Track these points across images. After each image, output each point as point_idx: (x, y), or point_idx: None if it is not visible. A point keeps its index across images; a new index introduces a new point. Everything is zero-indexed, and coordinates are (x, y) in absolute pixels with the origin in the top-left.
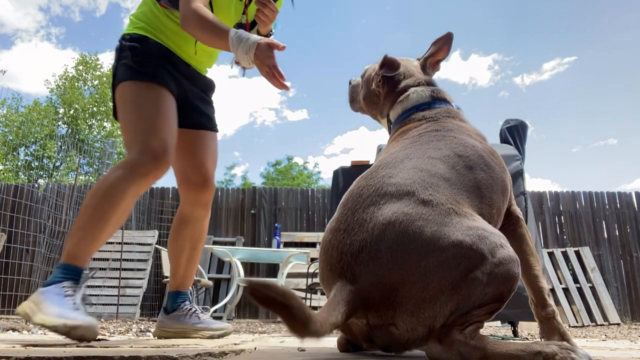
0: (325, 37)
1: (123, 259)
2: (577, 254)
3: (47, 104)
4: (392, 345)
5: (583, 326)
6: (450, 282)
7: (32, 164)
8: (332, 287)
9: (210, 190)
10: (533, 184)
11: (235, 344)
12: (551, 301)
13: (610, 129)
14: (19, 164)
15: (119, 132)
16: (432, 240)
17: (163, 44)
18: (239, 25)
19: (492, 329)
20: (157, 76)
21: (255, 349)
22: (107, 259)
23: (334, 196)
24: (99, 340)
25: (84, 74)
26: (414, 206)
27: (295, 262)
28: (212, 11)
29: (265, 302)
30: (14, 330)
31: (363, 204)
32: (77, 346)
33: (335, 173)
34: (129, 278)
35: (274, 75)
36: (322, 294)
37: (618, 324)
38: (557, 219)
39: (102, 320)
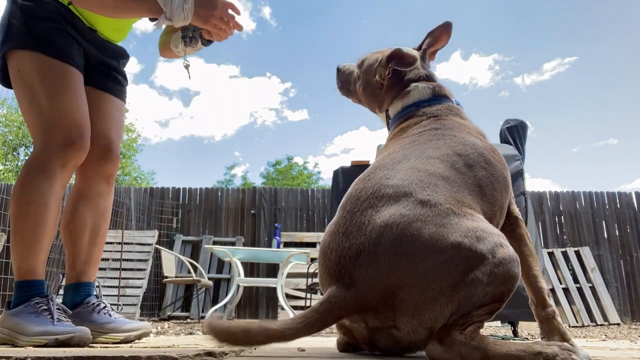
0: (325, 37)
1: (123, 259)
2: (577, 254)
3: None
4: (394, 348)
5: (583, 326)
6: (450, 283)
7: None
8: (326, 290)
9: (113, 162)
10: (533, 184)
11: None
12: (551, 301)
13: (610, 129)
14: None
15: None
16: (431, 241)
17: (62, 2)
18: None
19: (492, 329)
20: (61, 50)
21: (255, 349)
22: (107, 259)
23: (334, 196)
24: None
25: None
26: (412, 207)
27: (295, 262)
28: None
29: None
30: None
31: (361, 206)
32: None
33: (335, 173)
34: (129, 278)
35: (222, 29)
36: (322, 294)
37: (618, 324)
38: (557, 219)
39: None
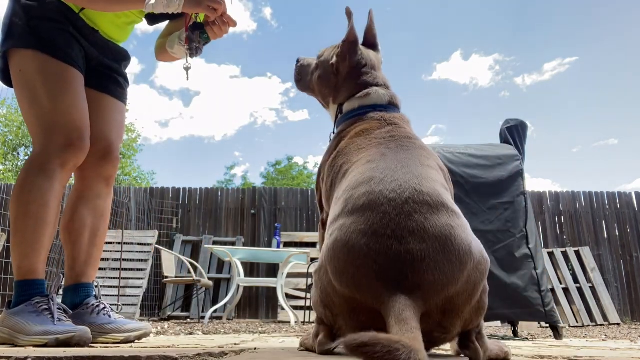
0: (326, 37)
1: (123, 259)
2: (577, 254)
3: None
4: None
5: (583, 326)
6: (482, 287)
7: None
8: (379, 295)
9: (113, 164)
10: (533, 184)
11: (235, 344)
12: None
13: (610, 129)
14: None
15: None
16: (471, 250)
17: (64, 1)
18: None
19: (492, 329)
20: (62, 51)
21: (255, 349)
22: (107, 259)
23: None
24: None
25: None
26: (452, 217)
27: (295, 262)
28: None
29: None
30: None
31: (403, 210)
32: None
33: None
34: (129, 278)
35: (217, 10)
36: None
37: (618, 324)
38: (557, 219)
39: None
